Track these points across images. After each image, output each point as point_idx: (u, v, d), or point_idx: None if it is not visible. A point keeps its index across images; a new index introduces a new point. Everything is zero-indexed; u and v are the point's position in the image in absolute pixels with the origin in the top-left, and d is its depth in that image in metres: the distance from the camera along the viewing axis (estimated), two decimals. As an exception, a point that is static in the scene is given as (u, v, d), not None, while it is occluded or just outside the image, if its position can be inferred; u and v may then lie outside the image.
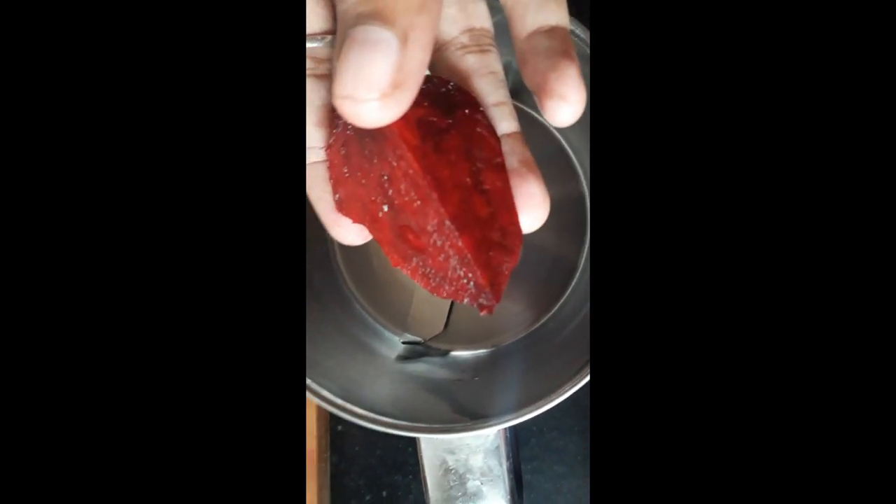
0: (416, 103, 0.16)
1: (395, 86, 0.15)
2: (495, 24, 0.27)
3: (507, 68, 0.30)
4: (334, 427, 0.36)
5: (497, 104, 0.19)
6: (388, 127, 0.16)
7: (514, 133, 0.19)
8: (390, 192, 0.18)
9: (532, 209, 0.18)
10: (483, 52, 0.20)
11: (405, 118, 0.16)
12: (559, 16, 0.19)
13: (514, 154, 0.19)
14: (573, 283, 0.31)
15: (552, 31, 0.19)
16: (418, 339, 0.31)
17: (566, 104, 0.17)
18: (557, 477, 0.35)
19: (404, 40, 0.15)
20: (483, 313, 0.18)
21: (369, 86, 0.15)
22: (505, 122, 0.19)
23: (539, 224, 0.18)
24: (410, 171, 0.17)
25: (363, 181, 0.18)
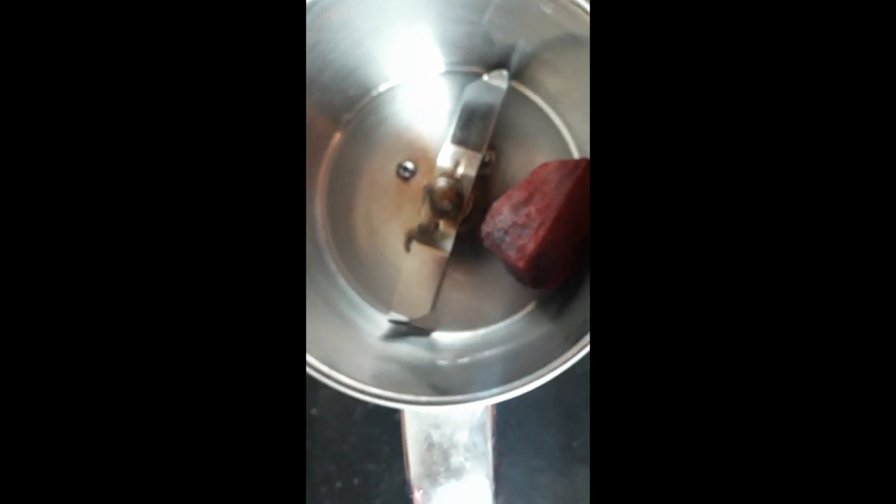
0: None
1: None
2: (503, 7, 0.27)
3: (513, 49, 0.30)
4: (308, 410, 0.35)
5: None
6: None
7: None
8: None
9: None
10: None
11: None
12: None
13: None
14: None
15: None
16: (404, 318, 0.30)
17: None
18: (533, 471, 0.35)
19: None
20: None
21: None
22: None
23: None
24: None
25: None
